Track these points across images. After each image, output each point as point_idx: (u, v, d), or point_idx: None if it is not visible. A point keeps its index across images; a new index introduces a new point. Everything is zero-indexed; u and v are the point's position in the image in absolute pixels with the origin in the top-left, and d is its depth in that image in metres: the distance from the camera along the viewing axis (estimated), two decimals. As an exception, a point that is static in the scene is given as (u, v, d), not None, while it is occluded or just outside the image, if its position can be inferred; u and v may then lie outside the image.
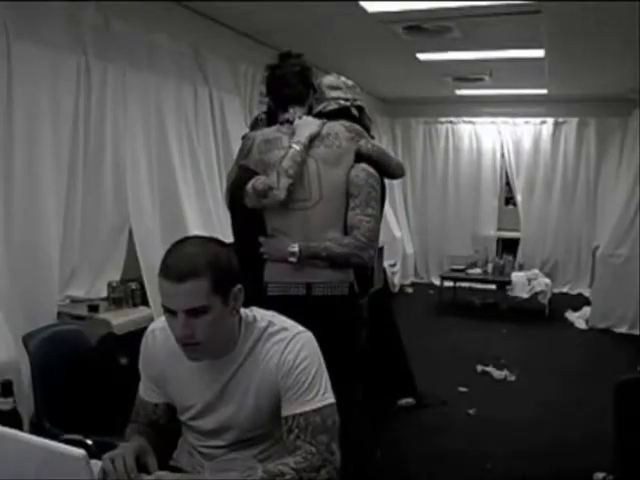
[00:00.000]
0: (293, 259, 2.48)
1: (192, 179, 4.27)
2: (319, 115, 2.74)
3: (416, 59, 5.93)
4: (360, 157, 2.63)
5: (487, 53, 5.63)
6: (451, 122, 9.23)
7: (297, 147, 2.51)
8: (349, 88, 2.86)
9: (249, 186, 2.52)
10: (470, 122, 9.14)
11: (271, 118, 2.81)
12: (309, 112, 2.73)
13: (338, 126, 2.63)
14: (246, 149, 2.67)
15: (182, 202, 4.10)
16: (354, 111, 2.83)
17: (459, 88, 7.86)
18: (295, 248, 2.48)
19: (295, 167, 2.47)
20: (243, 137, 2.81)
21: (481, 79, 7.00)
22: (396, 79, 7.46)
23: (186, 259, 1.53)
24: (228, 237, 2.86)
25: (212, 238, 1.67)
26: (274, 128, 2.68)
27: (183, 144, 4.21)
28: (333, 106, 2.80)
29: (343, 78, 2.90)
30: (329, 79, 2.84)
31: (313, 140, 2.56)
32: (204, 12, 4.43)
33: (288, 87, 2.68)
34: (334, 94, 2.81)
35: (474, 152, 9.16)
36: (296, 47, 2.86)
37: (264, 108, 3.02)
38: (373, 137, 2.86)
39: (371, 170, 2.60)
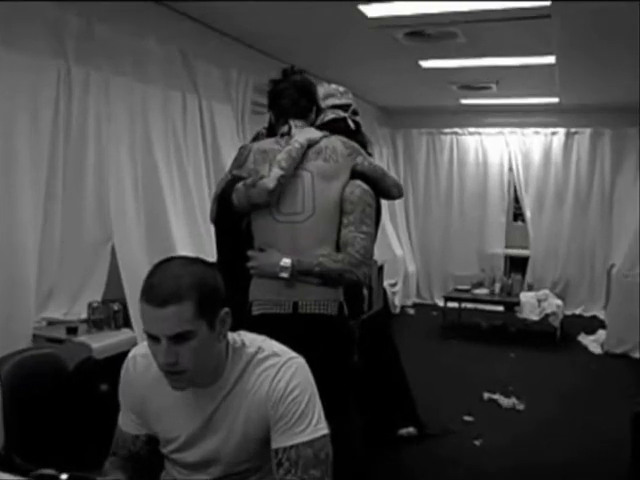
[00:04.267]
0: (285, 274, 2.50)
1: (180, 193, 4.26)
2: (318, 128, 2.79)
3: (419, 66, 5.96)
4: (356, 174, 2.66)
5: (494, 60, 5.66)
6: (456, 133, 9.26)
7: (295, 145, 2.57)
8: (342, 94, 2.97)
9: (239, 184, 2.57)
10: (476, 133, 9.18)
11: (271, 131, 2.86)
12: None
13: (336, 141, 2.68)
14: (242, 159, 2.72)
15: (169, 217, 4.10)
16: (351, 124, 2.89)
17: (464, 97, 7.90)
18: (287, 263, 2.49)
19: (289, 161, 2.53)
20: (241, 147, 2.86)
21: (488, 87, 7.04)
22: (397, 88, 7.49)
23: (169, 281, 1.52)
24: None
25: (197, 259, 1.66)
26: (272, 140, 2.74)
27: (170, 156, 4.22)
28: (330, 116, 2.87)
29: (334, 85, 2.98)
30: (321, 90, 2.91)
31: (311, 147, 2.60)
32: (194, 15, 4.45)
33: (289, 100, 2.74)
34: (329, 102, 2.89)
35: (480, 165, 9.19)
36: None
37: (258, 118, 3.07)
38: (370, 154, 2.91)
39: (366, 187, 2.64)
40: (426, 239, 9.48)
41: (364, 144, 2.91)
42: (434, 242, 9.41)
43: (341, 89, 2.97)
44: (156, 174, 4.06)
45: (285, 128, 2.71)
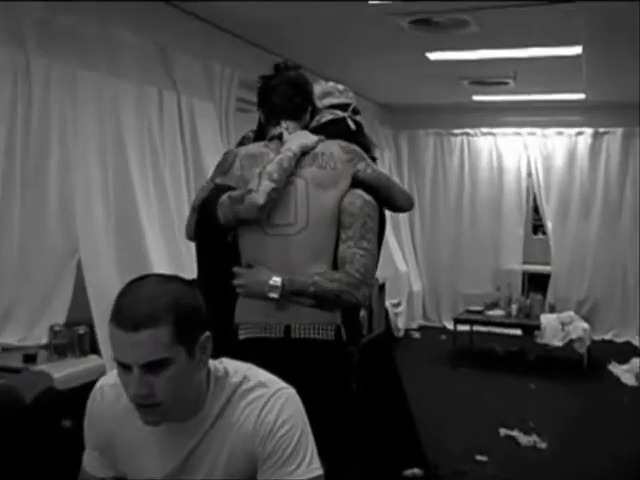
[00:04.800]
0: (274, 294, 2.50)
1: (156, 201, 4.27)
2: (314, 131, 2.80)
3: (425, 59, 6.00)
4: (357, 183, 2.68)
5: (511, 51, 5.70)
6: (467, 134, 9.31)
7: (287, 153, 2.57)
8: (341, 92, 2.97)
9: (224, 197, 2.57)
10: (490, 134, 9.23)
11: (260, 134, 2.87)
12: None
13: (334, 146, 2.69)
14: (227, 165, 2.73)
15: (143, 228, 4.10)
16: (352, 125, 2.90)
17: (477, 93, 7.94)
18: (277, 282, 2.50)
19: (280, 172, 2.53)
20: (225, 153, 2.87)
21: (504, 82, 7.08)
22: (402, 83, 7.53)
23: (143, 302, 1.52)
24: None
25: (174, 277, 1.66)
26: (261, 144, 2.75)
27: (145, 159, 4.23)
28: (328, 117, 2.88)
29: (332, 83, 3.00)
30: (318, 88, 2.92)
31: (306, 154, 2.63)
32: (172, 2, 4.46)
33: (281, 98, 2.75)
34: (326, 101, 2.90)
35: (495, 170, 9.23)
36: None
37: (244, 117, 3.08)
38: (375, 159, 2.92)
39: (368, 197, 2.65)
40: (433, 253, 9.50)
41: (367, 147, 2.91)
42: (442, 257, 9.43)
43: (340, 87, 2.99)
44: (129, 180, 4.06)
45: (276, 131, 2.72)
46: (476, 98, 8.26)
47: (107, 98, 3.94)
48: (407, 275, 8.83)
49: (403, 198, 2.87)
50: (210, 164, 4.22)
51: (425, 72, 6.64)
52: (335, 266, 2.58)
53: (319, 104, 2.89)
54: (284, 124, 2.73)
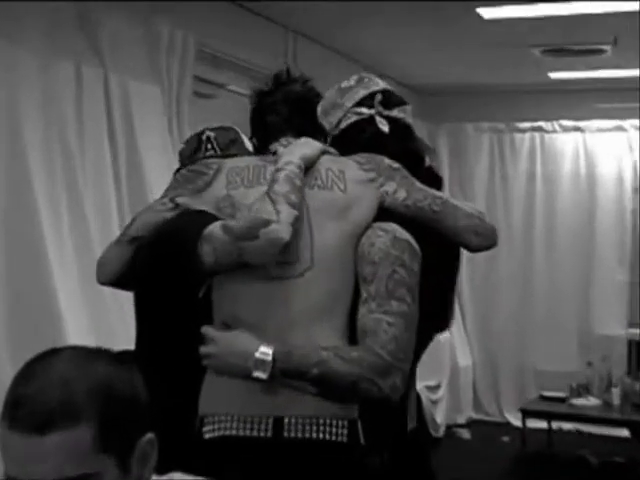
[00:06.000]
0: (261, 374, 2.47)
1: (71, 234, 4.27)
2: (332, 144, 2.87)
3: (477, 17, 6.06)
4: (387, 214, 2.68)
5: (606, 4, 5.71)
6: (540, 129, 9.41)
7: (291, 167, 2.59)
8: (346, 91, 2.95)
9: (215, 228, 2.54)
10: (576, 128, 9.31)
11: None
12: None
13: (347, 160, 2.73)
14: (203, 181, 2.72)
15: (51, 275, 4.09)
16: (383, 126, 2.89)
17: (555, 69, 8.01)
18: (268, 354, 2.47)
19: (297, 194, 2.54)
20: (200, 164, 2.88)
21: (597, 51, 7.11)
22: (442, 55, 7.60)
23: (52, 391, 1.49)
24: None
25: (100, 350, 1.65)
26: (254, 157, 2.84)
27: (55, 171, 4.24)
28: (349, 119, 2.89)
29: (355, 76, 2.99)
30: (322, 104, 2.94)
31: (308, 169, 2.66)
32: None
33: (277, 117, 2.84)
34: (332, 119, 2.92)
35: (583, 181, 9.29)
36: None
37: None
38: (432, 169, 2.96)
39: (400, 234, 2.62)
40: (488, 311, 9.58)
41: (418, 154, 2.94)
42: (502, 315, 9.49)
43: (351, 82, 2.97)
44: (29, 200, 4.06)
45: (272, 148, 2.79)
46: (554, 76, 8.32)
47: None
48: (449, 344, 8.84)
49: (468, 231, 2.77)
50: (155, 176, 4.23)
51: (477, 38, 6.69)
52: (353, 338, 2.58)
53: (326, 125, 2.92)
54: (284, 141, 2.78)
